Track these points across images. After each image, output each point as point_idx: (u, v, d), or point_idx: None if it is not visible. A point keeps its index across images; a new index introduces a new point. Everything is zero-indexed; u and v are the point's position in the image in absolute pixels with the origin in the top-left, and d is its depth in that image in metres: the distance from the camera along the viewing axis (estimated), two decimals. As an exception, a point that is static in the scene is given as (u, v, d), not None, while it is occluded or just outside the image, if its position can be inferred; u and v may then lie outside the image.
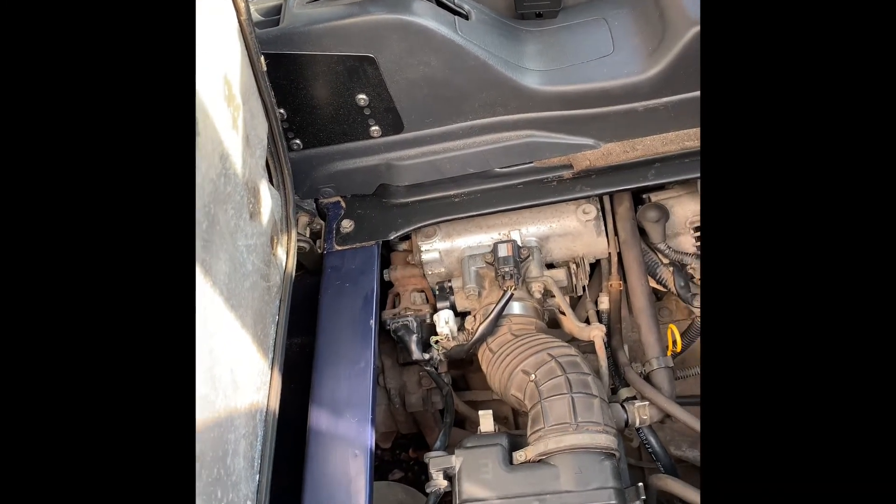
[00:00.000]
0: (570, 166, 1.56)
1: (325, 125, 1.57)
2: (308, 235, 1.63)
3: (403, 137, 1.57)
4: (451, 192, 1.62)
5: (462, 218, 1.61)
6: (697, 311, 1.58)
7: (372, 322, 1.47)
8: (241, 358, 1.17)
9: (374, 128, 1.57)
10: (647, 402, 1.39)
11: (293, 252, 1.48)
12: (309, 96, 1.52)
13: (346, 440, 1.33)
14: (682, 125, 1.50)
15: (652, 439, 1.45)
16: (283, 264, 1.45)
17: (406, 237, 1.71)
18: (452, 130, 1.55)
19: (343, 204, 1.67)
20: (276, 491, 1.25)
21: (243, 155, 1.20)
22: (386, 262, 1.74)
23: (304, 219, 1.63)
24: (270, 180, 1.49)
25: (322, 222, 1.67)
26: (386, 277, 1.73)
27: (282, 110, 1.54)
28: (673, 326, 1.58)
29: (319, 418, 1.36)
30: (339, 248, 1.60)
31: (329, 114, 1.55)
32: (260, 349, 1.27)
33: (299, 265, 1.65)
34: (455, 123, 1.54)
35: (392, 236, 1.60)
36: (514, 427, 1.89)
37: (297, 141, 1.60)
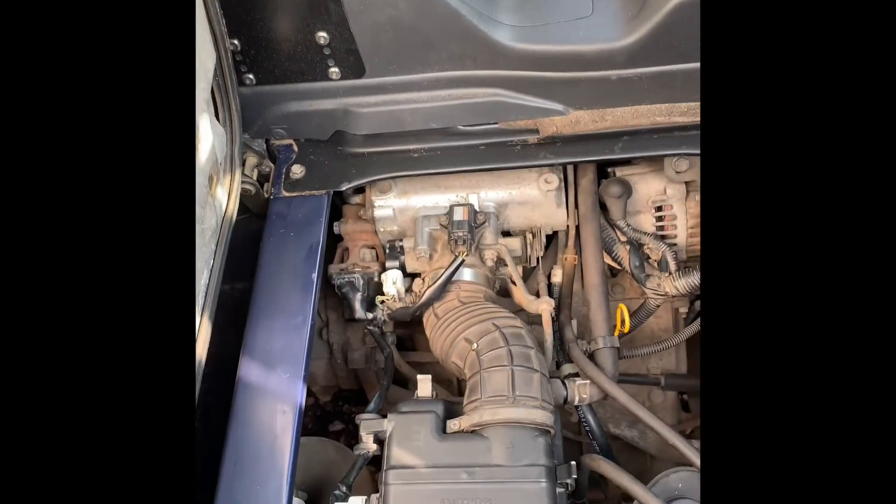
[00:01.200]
0: (536, 131, 1.49)
1: (282, 61, 1.47)
2: (255, 178, 1.54)
3: (364, 83, 1.48)
4: (411, 147, 1.54)
5: (420, 175, 1.54)
6: (650, 292, 1.55)
7: (314, 275, 1.40)
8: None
9: (333, 69, 1.47)
10: (588, 381, 1.37)
11: (236, 194, 1.40)
12: (265, 28, 1.41)
13: (276, 395, 1.27)
14: (654, 99, 1.44)
15: (590, 418, 1.43)
16: (223, 206, 1.36)
17: (360, 190, 1.63)
18: (416, 81, 1.47)
19: (295, 148, 1.58)
20: (201, 440, 1.19)
21: (181, 84, 1.10)
22: (336, 214, 1.67)
23: (252, 160, 1.54)
24: (216, 115, 1.40)
25: (272, 165, 1.58)
26: (336, 230, 1.66)
27: (235, 41, 1.43)
28: (623, 306, 1.55)
29: (249, 371, 1.30)
30: (287, 194, 1.52)
31: (286, 50, 1.45)
32: (188, 295, 1.19)
33: (245, 208, 1.57)
34: (420, 73, 1.46)
35: (344, 187, 1.53)
36: (458, 392, 1.86)
37: (251, 76, 1.50)
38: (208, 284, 1.29)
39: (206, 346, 1.25)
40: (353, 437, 2.22)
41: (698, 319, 1.64)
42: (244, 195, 1.49)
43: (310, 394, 2.26)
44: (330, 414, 2.45)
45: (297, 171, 1.55)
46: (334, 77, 1.49)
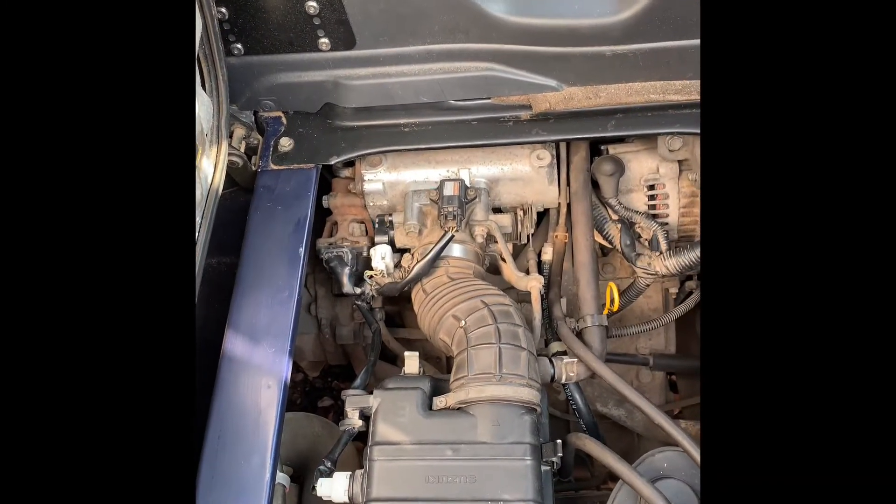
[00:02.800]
0: (529, 107, 1.47)
1: (271, 31, 1.44)
2: (243, 150, 1.51)
3: (354, 54, 1.45)
4: (401, 121, 1.52)
5: (410, 150, 1.52)
6: (639, 271, 1.54)
7: (301, 250, 1.38)
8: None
9: (323, 40, 1.44)
10: (575, 360, 1.36)
11: (222, 166, 1.37)
12: (254, -4, 1.38)
13: (261, 370, 1.26)
14: (649, 76, 1.42)
15: (577, 396, 1.43)
16: (209, 178, 1.34)
17: (350, 163, 1.61)
18: (408, 53, 1.44)
19: (284, 120, 1.56)
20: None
21: (164, 51, 1.07)
22: (325, 188, 1.65)
23: (239, 132, 1.51)
24: (203, 85, 1.37)
25: (260, 137, 1.55)
26: (325, 204, 1.63)
27: (223, 9, 1.40)
28: (612, 284, 1.55)
29: (234, 345, 1.29)
30: (275, 167, 1.50)
31: (276, 19, 1.42)
32: (171, 267, 1.17)
33: (232, 181, 1.55)
34: (411, 46, 1.43)
35: (333, 161, 1.50)
36: (446, 370, 1.86)
37: (238, 45, 1.46)
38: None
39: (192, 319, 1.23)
40: (341, 413, 2.22)
41: (688, 299, 1.64)
42: (231, 168, 1.46)
43: (298, 369, 2.26)
44: (319, 389, 2.45)
45: (286, 143, 1.52)
46: (324, 48, 1.46)
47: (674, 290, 1.74)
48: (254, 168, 1.52)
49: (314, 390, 2.46)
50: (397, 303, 1.86)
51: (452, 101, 1.49)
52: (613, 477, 1.73)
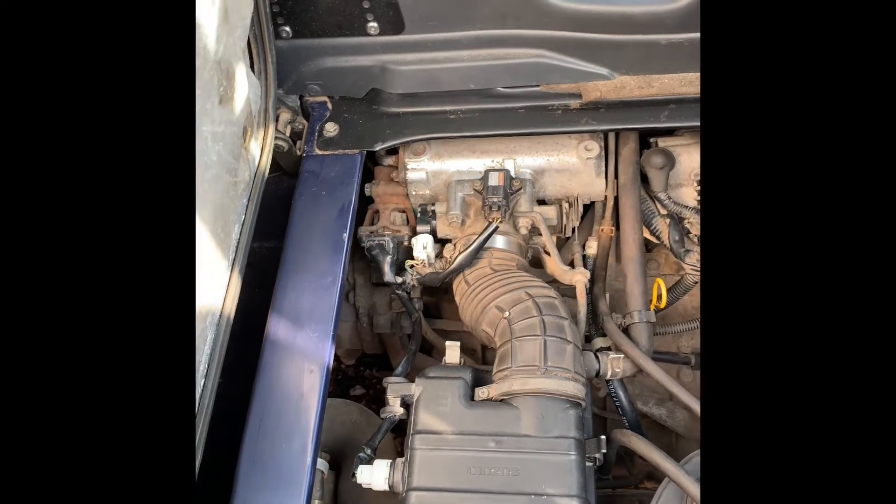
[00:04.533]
0: (579, 95, 1.44)
1: (320, 14, 1.43)
2: (288, 134, 1.51)
3: (403, 39, 1.44)
4: (448, 108, 1.50)
5: (455, 137, 1.50)
6: (688, 268, 1.51)
7: (345, 236, 1.37)
8: (194, 254, 1.07)
9: (372, 24, 1.43)
10: (621, 355, 1.33)
11: (269, 149, 1.37)
12: (304, -21, 1.37)
13: (304, 354, 1.26)
14: (705, 66, 1.37)
15: (621, 393, 1.40)
16: (256, 161, 1.34)
17: (393, 151, 1.60)
18: (457, 39, 1.42)
19: (329, 105, 1.55)
20: (226, 398, 1.18)
21: (218, 30, 1.06)
22: (368, 175, 1.64)
23: (285, 115, 1.51)
24: (252, 67, 1.36)
25: (305, 122, 1.54)
26: (367, 192, 1.62)
27: (273, -9, 1.39)
28: (660, 280, 1.51)
29: (278, 329, 1.29)
30: (320, 152, 1.49)
31: (325, 2, 1.41)
32: (218, 248, 1.17)
33: (277, 166, 1.54)
34: (461, 31, 1.41)
35: (378, 147, 1.49)
36: (482, 362, 1.84)
37: (287, 28, 1.46)
38: (238, 239, 1.27)
39: (235, 302, 1.23)
40: (373, 403, 2.21)
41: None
42: (276, 152, 1.46)
43: (333, 357, 2.26)
44: (351, 378, 2.46)
45: (331, 129, 1.51)
46: (372, 32, 1.44)
47: (719, 289, 1.69)
48: (299, 153, 1.51)
49: (346, 378, 2.46)
50: (434, 294, 1.84)
51: (500, 89, 1.47)
52: (651, 477, 1.70)
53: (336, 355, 2.19)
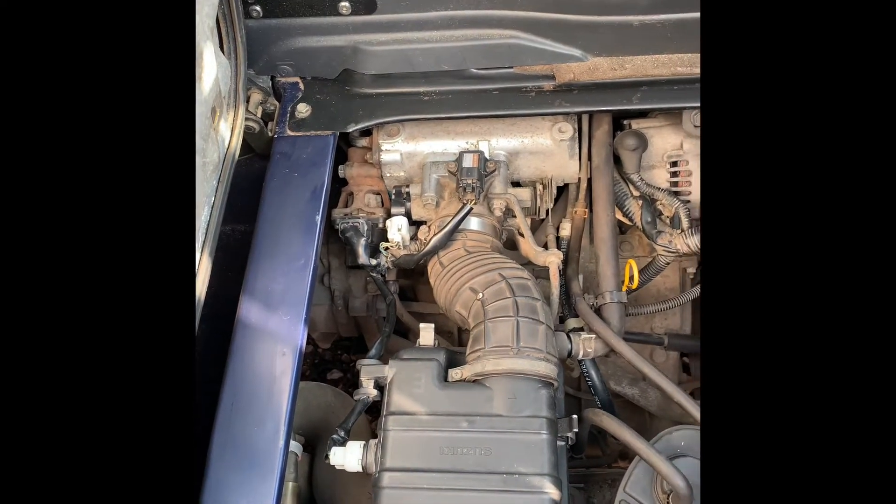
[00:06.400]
0: (552, 77, 1.44)
1: (290, -7, 1.41)
2: (259, 115, 1.49)
3: (375, 19, 1.42)
4: (421, 89, 1.49)
5: (429, 119, 1.49)
6: (660, 249, 1.52)
7: (318, 218, 1.36)
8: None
9: (343, 3, 1.41)
10: (593, 335, 1.34)
11: (239, 130, 1.35)
12: (274, -44, 1.35)
13: (276, 337, 1.25)
14: (677, 48, 1.38)
15: (593, 373, 1.42)
16: (226, 142, 1.32)
17: (367, 132, 1.58)
18: (430, 19, 1.41)
19: (301, 86, 1.53)
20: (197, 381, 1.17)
21: (184, 7, 1.04)
22: (342, 157, 1.62)
23: (256, 96, 1.49)
24: (221, 47, 1.34)
25: (276, 103, 1.52)
26: (340, 174, 1.61)
27: (242, -31, 1.37)
28: (632, 262, 1.52)
29: (249, 312, 1.28)
30: (292, 133, 1.47)
31: (295, -20, 1.38)
32: (188, 230, 1.15)
33: (248, 148, 1.52)
34: (434, 11, 1.40)
35: (351, 129, 1.48)
36: (458, 344, 1.85)
37: (257, 7, 1.43)
38: (209, 221, 1.25)
39: (206, 284, 1.22)
40: (350, 386, 2.22)
41: (707, 279, 1.61)
42: (247, 133, 1.44)
43: (309, 340, 2.25)
44: (328, 362, 2.45)
45: (303, 110, 1.50)
46: (344, 12, 1.42)
47: (691, 270, 1.71)
48: (270, 134, 1.49)
49: (323, 362, 2.46)
50: (410, 277, 1.84)
51: (474, 70, 1.46)
52: (625, 456, 1.73)
53: (312, 339, 2.19)
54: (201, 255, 1.22)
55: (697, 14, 1.34)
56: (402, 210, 1.55)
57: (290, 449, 1.22)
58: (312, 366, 2.43)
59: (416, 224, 1.55)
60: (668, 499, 1.18)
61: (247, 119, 1.41)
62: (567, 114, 1.47)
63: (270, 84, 1.54)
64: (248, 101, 1.44)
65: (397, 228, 1.49)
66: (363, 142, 1.62)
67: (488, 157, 1.49)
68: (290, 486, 1.26)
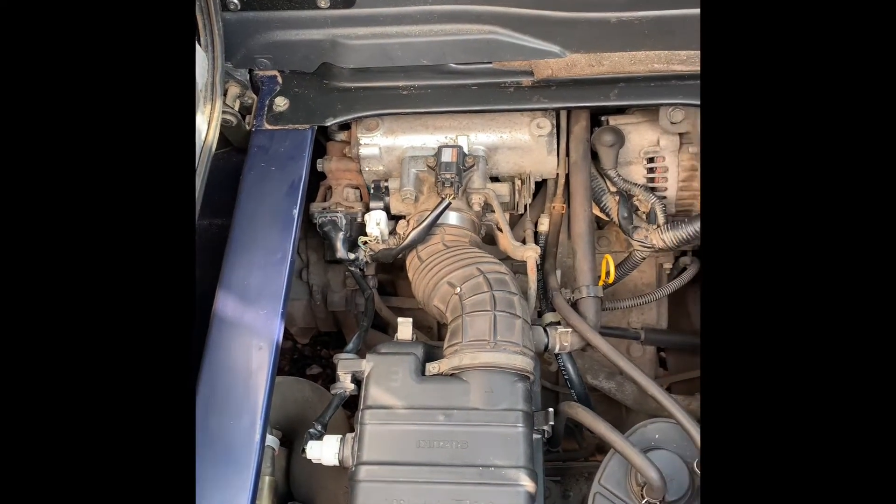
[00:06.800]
0: (531, 73, 1.45)
1: (268, -15, 1.40)
2: (237, 109, 1.48)
3: (354, 13, 1.42)
4: (400, 84, 1.49)
5: (408, 113, 1.49)
6: (636, 244, 1.53)
7: (295, 212, 1.36)
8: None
9: (322, -3, 1.40)
10: (570, 329, 1.35)
11: (216, 124, 1.34)
12: (251, -52, 1.34)
13: (252, 332, 1.25)
14: (654, 45, 1.39)
15: (569, 366, 1.43)
16: (203, 135, 1.31)
17: (345, 126, 1.58)
18: (409, 13, 1.41)
19: (280, 79, 1.52)
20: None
21: None
22: (320, 151, 1.62)
23: (234, 90, 1.48)
24: (198, 40, 1.33)
25: (254, 96, 1.51)
26: (319, 168, 1.61)
27: (219, -40, 1.35)
28: (608, 257, 1.53)
29: (226, 306, 1.27)
30: (270, 127, 1.46)
31: (274, -27, 1.38)
32: (163, 223, 1.15)
33: (226, 141, 1.52)
34: (413, 5, 1.40)
35: (329, 122, 1.47)
36: (437, 338, 1.85)
37: (235, 0, 1.42)
38: (185, 215, 1.24)
39: (182, 278, 1.21)
40: (330, 381, 2.20)
41: (682, 275, 1.63)
42: (225, 126, 1.43)
43: (288, 336, 2.25)
44: (307, 357, 2.45)
45: (281, 103, 1.49)
46: (323, 6, 1.42)
47: (668, 266, 1.73)
48: (248, 127, 1.48)
49: (303, 358, 2.45)
50: (389, 271, 1.84)
51: (453, 65, 1.46)
52: (601, 449, 1.74)
53: (290, 334, 2.18)
54: (177, 248, 1.21)
55: (673, 12, 1.36)
56: (381, 204, 1.54)
57: (267, 443, 1.22)
58: (291, 361, 2.42)
59: (394, 218, 1.55)
60: (641, 491, 1.20)
61: (224, 112, 1.40)
62: (545, 110, 1.48)
63: (248, 77, 1.53)
64: (225, 95, 1.43)
65: (376, 223, 1.49)
66: (342, 136, 1.62)
67: (467, 153, 1.49)
68: (266, 479, 1.26)
